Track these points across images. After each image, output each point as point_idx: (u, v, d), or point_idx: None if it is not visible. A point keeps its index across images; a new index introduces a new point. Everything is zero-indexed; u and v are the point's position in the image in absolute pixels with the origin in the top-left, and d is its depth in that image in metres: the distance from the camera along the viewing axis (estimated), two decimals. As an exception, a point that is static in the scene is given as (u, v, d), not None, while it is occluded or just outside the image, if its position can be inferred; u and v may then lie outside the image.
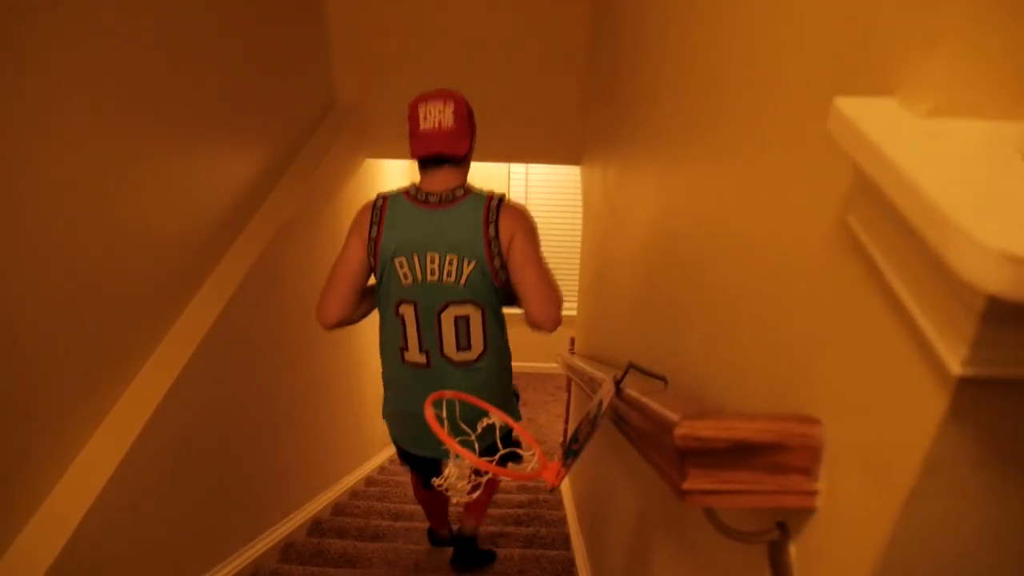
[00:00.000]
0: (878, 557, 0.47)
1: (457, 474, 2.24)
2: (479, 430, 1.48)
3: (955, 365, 0.37)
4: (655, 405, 0.68)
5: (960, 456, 0.42)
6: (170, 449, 1.45)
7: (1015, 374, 0.38)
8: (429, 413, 1.25)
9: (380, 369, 1.79)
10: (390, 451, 4.11)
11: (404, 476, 3.63)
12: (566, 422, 3.96)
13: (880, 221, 0.45)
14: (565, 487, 3.19)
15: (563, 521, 2.77)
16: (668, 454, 0.62)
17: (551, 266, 1.67)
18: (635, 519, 1.43)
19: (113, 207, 1.30)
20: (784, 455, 0.57)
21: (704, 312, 0.94)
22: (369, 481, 3.45)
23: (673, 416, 0.58)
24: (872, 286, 0.48)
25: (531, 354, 4.99)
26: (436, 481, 1.65)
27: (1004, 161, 0.40)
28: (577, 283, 3.98)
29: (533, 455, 1.49)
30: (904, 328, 0.43)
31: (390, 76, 2.95)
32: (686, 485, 0.58)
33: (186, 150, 1.58)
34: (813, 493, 0.57)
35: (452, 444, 1.08)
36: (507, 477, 2.10)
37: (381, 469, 3.75)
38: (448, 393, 1.27)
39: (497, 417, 1.39)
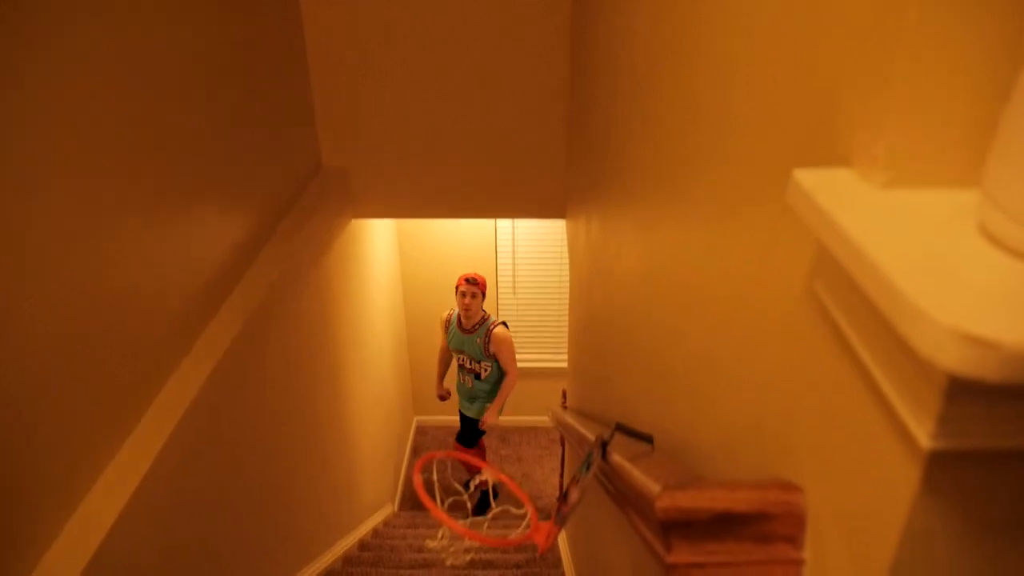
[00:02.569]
0: (868, 631, 0.46)
1: (450, 536, 2.24)
2: (471, 489, 2.02)
3: (924, 438, 0.37)
4: (637, 473, 0.67)
5: (938, 526, 0.41)
6: (152, 527, 1.41)
7: (985, 445, 0.37)
8: (417, 480, 1.26)
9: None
10: (384, 513, 4.02)
11: (398, 540, 3.55)
12: (561, 476, 3.89)
13: (843, 291, 0.45)
14: (563, 545, 3.12)
15: (561, 581, 2.70)
16: (652, 525, 0.61)
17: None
18: (631, 581, 1.40)
19: (99, 274, 1.29)
20: (768, 524, 0.56)
21: (687, 373, 0.94)
22: (363, 545, 3.36)
23: (654, 487, 0.58)
24: (841, 353, 0.48)
25: (524, 407, 4.94)
26: (429, 543, 2.04)
27: (960, 233, 0.40)
28: (566, 334, 3.97)
29: (527, 515, 1.46)
30: (874, 398, 0.43)
31: (373, 137, 2.99)
32: (671, 559, 0.56)
33: (174, 214, 1.59)
34: (800, 562, 0.56)
35: (440, 515, 1.06)
36: (497, 545, 2.05)
37: (375, 532, 3.66)
38: (439, 454, 1.58)
39: (491, 475, 1.69)
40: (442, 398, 4.13)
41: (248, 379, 1.93)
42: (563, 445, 3.77)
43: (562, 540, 3.19)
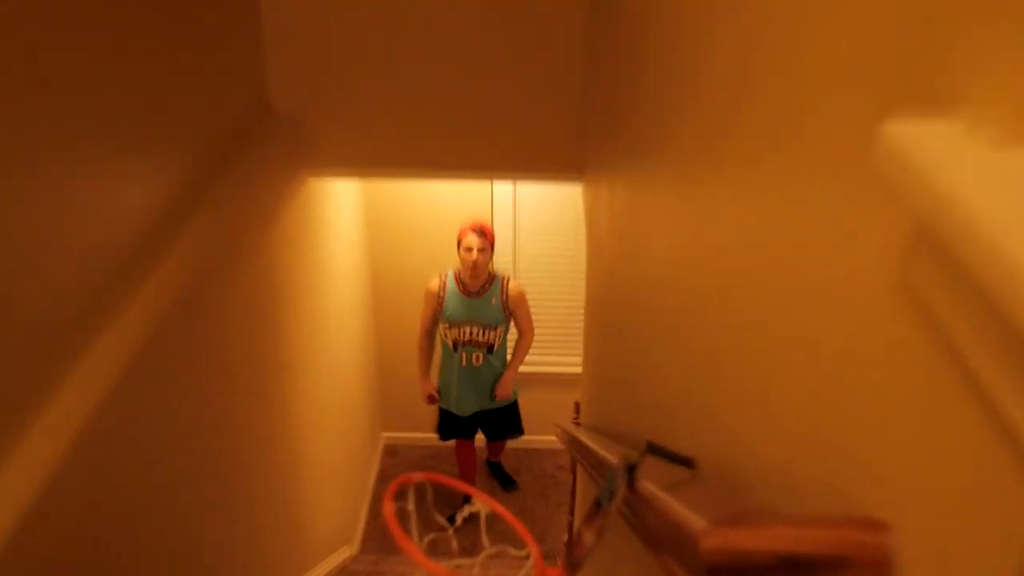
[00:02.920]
0: None
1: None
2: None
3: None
4: (676, 504, 0.67)
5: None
6: (46, 561, 1.41)
7: None
8: (388, 508, 1.28)
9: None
10: (341, 556, 4.05)
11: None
12: (571, 513, 3.92)
13: (948, 275, 0.46)
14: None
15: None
16: (694, 570, 0.61)
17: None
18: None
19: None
20: (846, 571, 0.56)
21: (737, 372, 0.95)
22: (315, 596, 3.38)
23: (699, 522, 0.58)
24: (946, 355, 0.48)
25: (524, 425, 4.95)
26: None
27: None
28: (579, 330, 3.97)
29: (528, 557, 1.48)
30: (987, 411, 0.43)
31: (338, 70, 2.96)
32: (719, 613, 0.57)
33: (62, 155, 1.51)
34: (883, 621, 0.56)
35: (415, 554, 1.08)
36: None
37: (330, 579, 3.69)
38: (416, 476, 1.76)
39: (482, 503, 1.88)
40: (432, 399, 4.09)
41: (168, 386, 1.91)
42: (573, 472, 3.79)
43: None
